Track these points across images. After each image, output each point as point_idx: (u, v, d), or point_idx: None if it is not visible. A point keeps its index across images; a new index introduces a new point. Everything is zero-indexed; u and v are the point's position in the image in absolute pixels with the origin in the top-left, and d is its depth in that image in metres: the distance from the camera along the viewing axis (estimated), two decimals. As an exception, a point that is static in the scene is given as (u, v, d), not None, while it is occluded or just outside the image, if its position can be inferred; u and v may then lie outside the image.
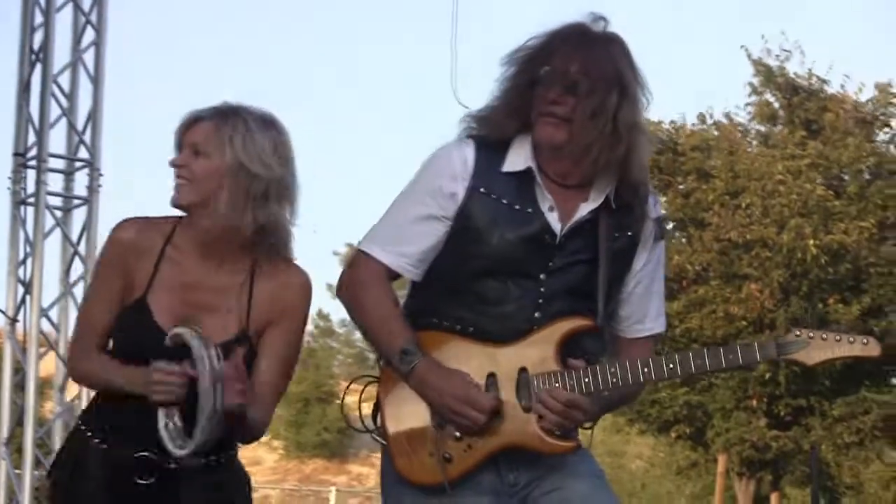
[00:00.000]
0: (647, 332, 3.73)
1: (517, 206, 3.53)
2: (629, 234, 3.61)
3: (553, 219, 3.53)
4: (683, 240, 23.14)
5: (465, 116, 3.64)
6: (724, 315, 21.96)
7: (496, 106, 3.59)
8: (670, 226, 23.77)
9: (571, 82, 3.48)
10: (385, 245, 3.59)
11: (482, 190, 3.53)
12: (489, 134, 3.58)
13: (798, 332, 3.52)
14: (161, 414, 3.52)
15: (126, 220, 3.71)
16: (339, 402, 41.43)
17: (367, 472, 39.45)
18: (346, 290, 3.65)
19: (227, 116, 3.64)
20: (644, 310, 3.72)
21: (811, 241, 21.14)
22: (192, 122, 3.66)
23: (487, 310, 3.53)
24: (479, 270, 3.53)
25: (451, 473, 3.47)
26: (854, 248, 21.59)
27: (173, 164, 3.65)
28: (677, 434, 24.01)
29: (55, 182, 10.76)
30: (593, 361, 3.52)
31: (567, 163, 3.55)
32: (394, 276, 3.61)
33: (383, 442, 3.56)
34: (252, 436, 3.70)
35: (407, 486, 3.52)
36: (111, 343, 3.69)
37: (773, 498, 24.94)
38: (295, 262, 3.75)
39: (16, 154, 10.73)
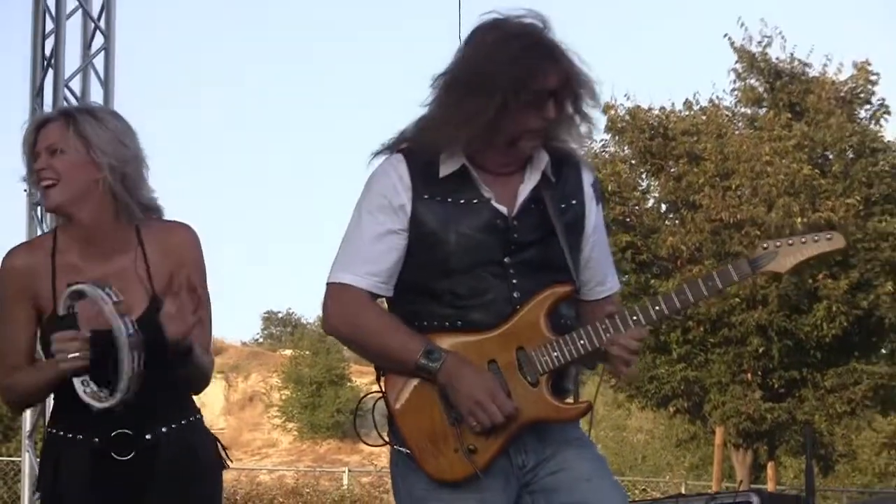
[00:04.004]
0: (609, 291, 3.80)
1: (462, 201, 3.58)
2: (573, 202, 3.68)
3: (499, 205, 3.59)
4: (676, 221, 23.32)
5: (400, 134, 3.67)
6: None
7: (446, 121, 3.53)
8: (664, 208, 24.18)
9: (557, 99, 3.53)
10: (353, 270, 3.58)
11: (426, 196, 3.57)
12: (426, 147, 3.58)
13: (765, 245, 3.59)
14: (77, 384, 3.55)
15: (10, 250, 3.77)
16: (350, 384, 41.84)
17: (378, 451, 39.75)
18: (336, 322, 3.63)
19: (73, 114, 3.71)
20: (604, 271, 3.78)
21: (799, 220, 21.28)
22: (40, 127, 3.71)
23: (467, 303, 3.56)
24: (446, 270, 3.56)
25: (479, 463, 3.51)
26: (841, 225, 21.39)
27: (38, 168, 3.67)
28: (675, 408, 24.02)
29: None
30: (577, 324, 3.63)
31: (516, 155, 3.61)
32: (372, 297, 3.62)
33: (406, 451, 3.57)
34: (203, 377, 3.81)
35: (438, 488, 3.55)
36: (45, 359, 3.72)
37: (770, 467, 24.99)
38: (170, 219, 3.84)
39: (31, 157, 11.26)
